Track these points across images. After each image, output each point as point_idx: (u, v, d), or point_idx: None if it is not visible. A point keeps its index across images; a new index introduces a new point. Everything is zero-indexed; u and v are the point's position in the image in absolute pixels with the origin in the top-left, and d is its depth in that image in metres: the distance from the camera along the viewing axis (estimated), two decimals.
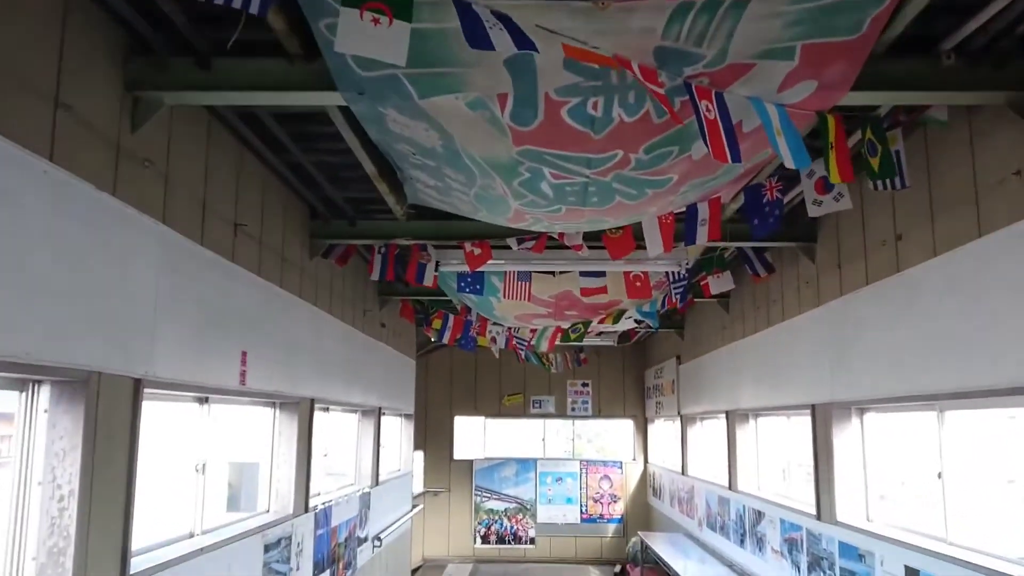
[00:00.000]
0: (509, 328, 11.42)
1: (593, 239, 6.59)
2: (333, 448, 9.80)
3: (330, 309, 8.25)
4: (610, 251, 6.22)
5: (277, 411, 7.00)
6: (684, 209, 5.64)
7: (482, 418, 17.82)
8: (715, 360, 11.37)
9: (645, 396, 17.81)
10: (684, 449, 13.61)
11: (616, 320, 9.29)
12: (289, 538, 6.76)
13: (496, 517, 17.43)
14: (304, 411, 7.26)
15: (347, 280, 8.99)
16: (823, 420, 7.09)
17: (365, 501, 9.76)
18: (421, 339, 16.79)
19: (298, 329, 7.09)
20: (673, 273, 7.88)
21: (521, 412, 17.84)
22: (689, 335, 13.38)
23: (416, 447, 17.20)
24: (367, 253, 7.63)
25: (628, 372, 18.11)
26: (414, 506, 13.80)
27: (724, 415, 10.74)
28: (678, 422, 14.12)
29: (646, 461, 17.70)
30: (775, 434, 9.72)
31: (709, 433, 12.76)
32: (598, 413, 17.96)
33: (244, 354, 5.70)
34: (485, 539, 17.33)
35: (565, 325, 10.35)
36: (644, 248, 5.93)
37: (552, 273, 7.97)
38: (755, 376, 9.37)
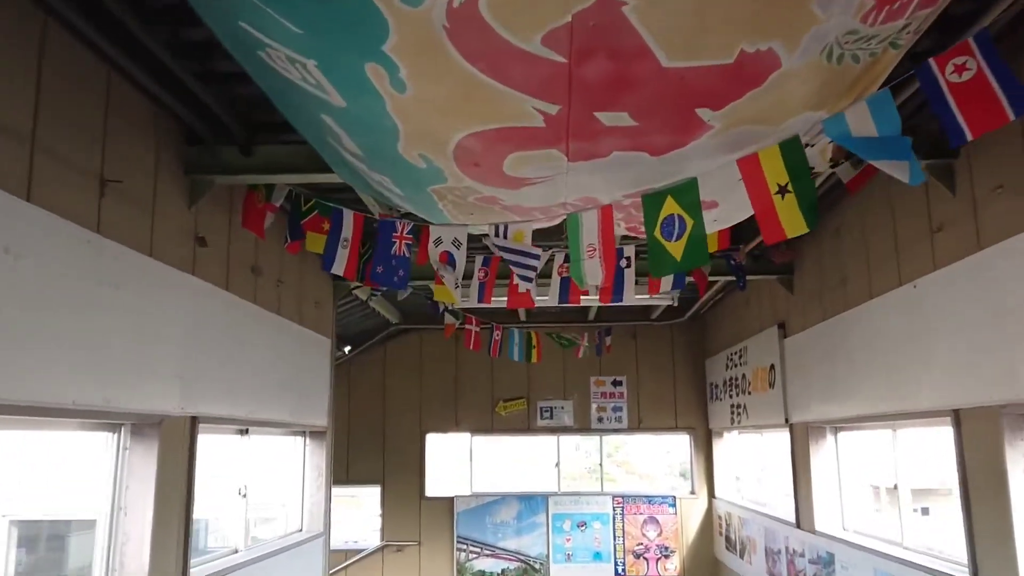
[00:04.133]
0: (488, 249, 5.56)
1: None
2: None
3: None
4: None
5: None
6: None
7: (467, 435, 12.18)
8: (895, 310, 5.58)
9: (709, 397, 11.98)
10: (800, 484, 7.79)
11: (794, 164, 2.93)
12: None
13: None
14: None
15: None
16: None
17: None
18: (377, 319, 11.12)
19: None
20: None
21: (524, 426, 12.19)
22: (807, 278, 7.57)
23: (369, 481, 11.74)
24: None
25: (680, 361, 12.32)
26: None
27: (951, 418, 4.94)
28: (785, 435, 8.30)
29: (711, 495, 11.86)
30: None
31: (864, 456, 6.94)
32: (638, 425, 12.19)
33: None
34: None
35: (619, 194, 3.72)
36: None
37: None
38: None
